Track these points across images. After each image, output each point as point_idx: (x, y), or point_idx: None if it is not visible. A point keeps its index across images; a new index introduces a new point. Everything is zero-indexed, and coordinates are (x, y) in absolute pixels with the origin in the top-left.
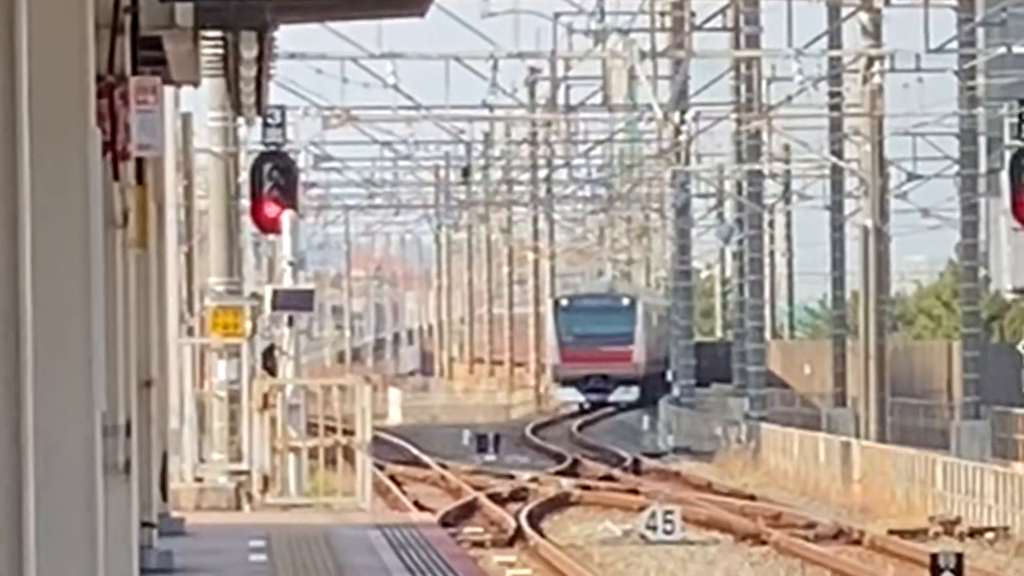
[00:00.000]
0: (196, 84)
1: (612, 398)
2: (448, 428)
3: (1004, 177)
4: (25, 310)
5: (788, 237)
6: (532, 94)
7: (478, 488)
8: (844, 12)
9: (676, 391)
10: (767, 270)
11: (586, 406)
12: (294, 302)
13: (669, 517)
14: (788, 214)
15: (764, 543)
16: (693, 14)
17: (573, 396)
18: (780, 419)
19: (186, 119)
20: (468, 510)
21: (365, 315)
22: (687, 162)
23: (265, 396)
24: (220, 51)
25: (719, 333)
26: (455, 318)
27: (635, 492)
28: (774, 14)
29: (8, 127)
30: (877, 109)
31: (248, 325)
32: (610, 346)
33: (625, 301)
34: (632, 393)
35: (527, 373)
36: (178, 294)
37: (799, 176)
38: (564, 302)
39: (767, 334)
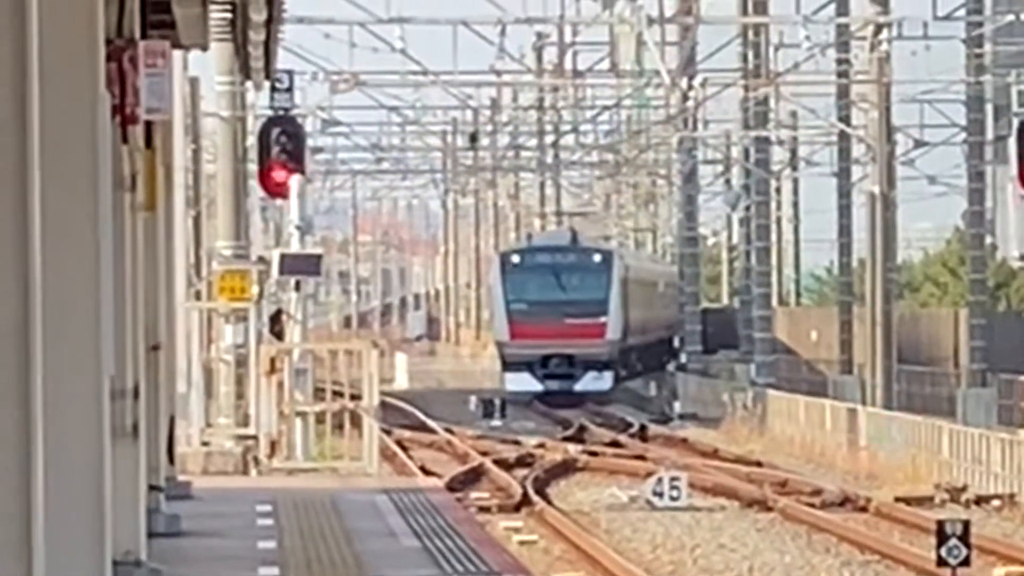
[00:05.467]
0: (205, 48)
1: (578, 387)
2: (455, 393)
3: (1011, 144)
4: (34, 274)
5: (795, 204)
6: (540, 59)
7: (484, 453)
8: None
9: (683, 358)
10: (774, 237)
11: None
12: (301, 266)
13: (675, 483)
14: (795, 181)
15: (770, 510)
16: None
17: (525, 384)
18: (786, 386)
19: (194, 83)
20: (474, 475)
21: (372, 280)
22: (694, 128)
23: (272, 360)
24: (229, 15)
25: (726, 300)
26: (462, 283)
27: (642, 458)
28: None
29: (18, 90)
30: (884, 76)
31: (255, 289)
32: (575, 318)
33: (596, 257)
34: (604, 380)
35: None
36: (186, 258)
37: (806, 143)
38: (514, 258)
39: (774, 301)
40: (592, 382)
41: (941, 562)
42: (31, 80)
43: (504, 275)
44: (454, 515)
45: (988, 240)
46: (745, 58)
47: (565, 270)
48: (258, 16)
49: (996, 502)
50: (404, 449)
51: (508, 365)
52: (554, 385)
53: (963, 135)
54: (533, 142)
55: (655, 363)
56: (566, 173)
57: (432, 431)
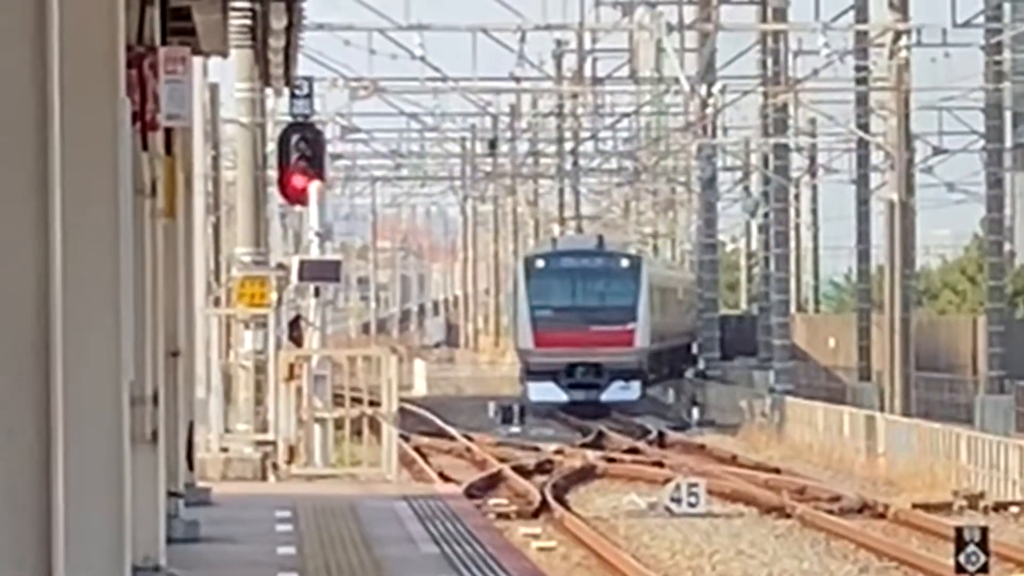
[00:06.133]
0: (225, 55)
1: (605, 397)
2: (473, 400)
3: None
4: (54, 280)
5: (814, 211)
6: (559, 66)
7: (503, 460)
8: None
9: (701, 364)
10: (792, 244)
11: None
12: (321, 273)
13: (694, 490)
14: (814, 188)
15: (788, 516)
16: None
17: (550, 394)
18: (805, 392)
19: (214, 90)
20: (493, 482)
21: (391, 286)
22: (713, 135)
23: (291, 367)
24: (249, 21)
25: (744, 306)
26: (480, 290)
27: (660, 465)
28: None
29: (38, 97)
30: (903, 83)
31: (274, 296)
32: (603, 325)
33: (624, 262)
34: (632, 390)
35: None
36: (205, 264)
37: (825, 150)
38: (539, 262)
39: (792, 308)
40: (619, 392)
41: (959, 569)
42: (51, 86)
43: (528, 280)
44: (473, 521)
45: (1007, 247)
46: (764, 65)
47: (592, 275)
48: (278, 23)
49: (1014, 508)
50: (423, 455)
51: (532, 374)
52: (579, 395)
53: (982, 142)
54: (552, 149)
55: (674, 370)
56: (585, 180)
57: (451, 437)
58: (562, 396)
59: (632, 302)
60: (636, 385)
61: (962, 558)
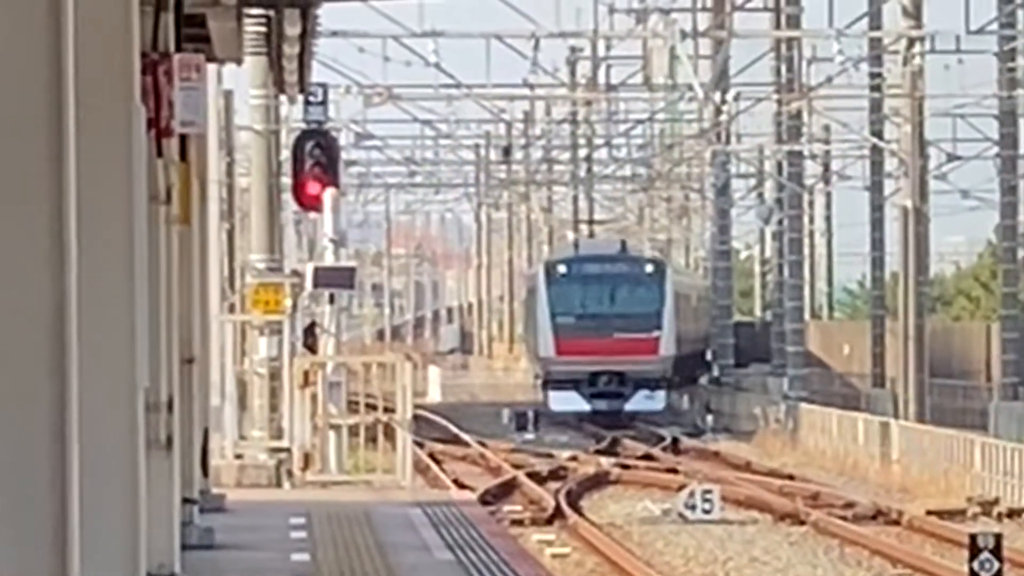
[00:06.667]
0: (239, 62)
1: (629, 406)
2: (487, 406)
3: None
4: (69, 286)
5: (828, 218)
6: (573, 73)
7: (517, 466)
8: None
9: (715, 371)
10: (806, 250)
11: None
12: (335, 279)
13: (708, 496)
14: (828, 195)
15: (802, 523)
16: None
17: (572, 403)
18: (819, 399)
19: (228, 96)
20: (507, 488)
21: (405, 293)
22: (727, 142)
23: (306, 373)
24: (263, 29)
25: (758, 313)
26: (495, 297)
27: (674, 471)
28: None
29: (53, 103)
30: (917, 90)
31: (289, 302)
32: (627, 332)
33: (649, 267)
34: (657, 399)
35: None
36: (220, 271)
37: (839, 157)
38: (560, 268)
39: (806, 314)
40: (644, 401)
41: (973, 575)
42: (66, 93)
43: (549, 286)
44: (487, 528)
45: (1020, 254)
46: (778, 72)
47: (616, 281)
48: (292, 30)
49: None
50: (437, 462)
51: (553, 383)
52: (602, 405)
53: (996, 149)
54: (566, 156)
55: (689, 377)
56: (599, 187)
57: (465, 444)
58: (584, 406)
59: (657, 309)
60: (661, 394)
61: (976, 565)
